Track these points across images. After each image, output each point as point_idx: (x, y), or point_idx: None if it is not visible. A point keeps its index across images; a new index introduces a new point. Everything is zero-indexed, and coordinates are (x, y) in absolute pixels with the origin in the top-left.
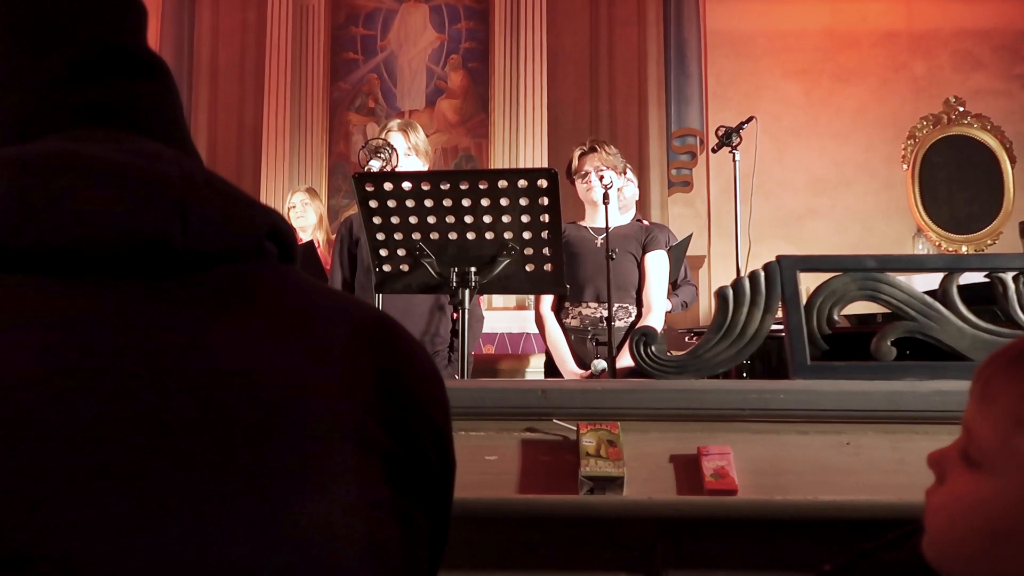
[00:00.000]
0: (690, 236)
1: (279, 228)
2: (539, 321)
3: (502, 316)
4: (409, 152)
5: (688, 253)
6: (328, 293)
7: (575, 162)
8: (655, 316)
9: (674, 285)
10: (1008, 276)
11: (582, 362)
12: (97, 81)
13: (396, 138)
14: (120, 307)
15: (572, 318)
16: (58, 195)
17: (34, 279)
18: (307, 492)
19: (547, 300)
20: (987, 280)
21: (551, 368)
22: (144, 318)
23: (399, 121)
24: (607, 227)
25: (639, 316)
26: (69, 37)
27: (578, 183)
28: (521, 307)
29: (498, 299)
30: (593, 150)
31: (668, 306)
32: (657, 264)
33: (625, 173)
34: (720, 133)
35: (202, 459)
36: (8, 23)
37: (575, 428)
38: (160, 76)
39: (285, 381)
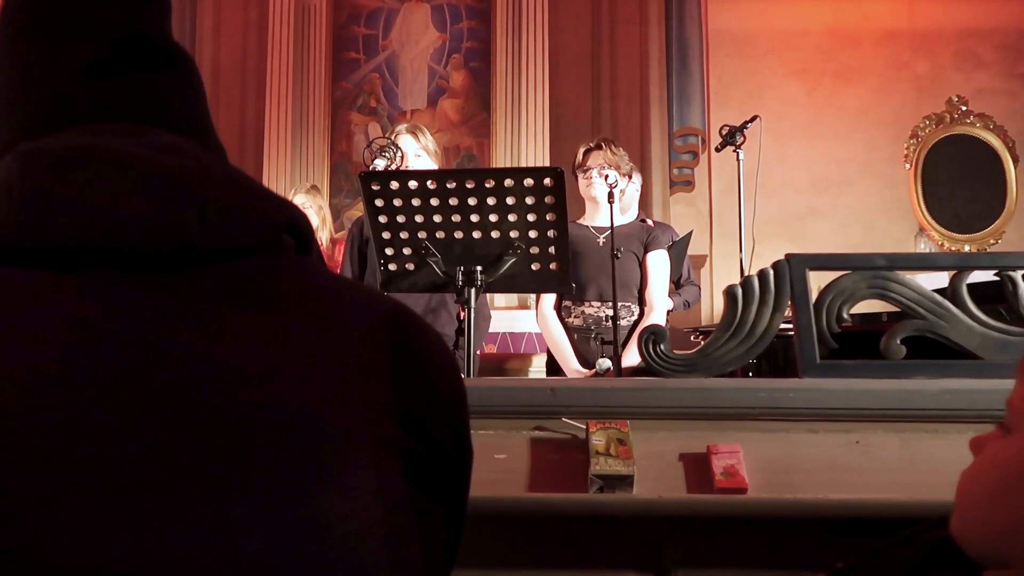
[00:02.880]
0: (690, 233)
1: (296, 220)
2: (541, 320)
3: (504, 315)
4: (420, 154)
5: (690, 252)
6: (346, 285)
7: (579, 158)
8: (657, 315)
9: (677, 284)
10: (1018, 274)
11: (585, 361)
12: (119, 73)
13: (406, 140)
14: (138, 303)
15: (575, 317)
16: (75, 191)
17: (51, 275)
18: (325, 488)
19: (549, 299)
20: (994, 279)
21: (553, 367)
22: (162, 314)
23: (407, 125)
24: (612, 226)
25: (641, 315)
26: (91, 28)
27: (580, 179)
28: (523, 306)
29: (500, 298)
30: (599, 148)
31: (669, 305)
32: (659, 263)
33: (631, 176)
34: (724, 132)
35: (219, 455)
36: (30, 14)
37: (584, 427)
38: (183, 67)
39: (303, 377)
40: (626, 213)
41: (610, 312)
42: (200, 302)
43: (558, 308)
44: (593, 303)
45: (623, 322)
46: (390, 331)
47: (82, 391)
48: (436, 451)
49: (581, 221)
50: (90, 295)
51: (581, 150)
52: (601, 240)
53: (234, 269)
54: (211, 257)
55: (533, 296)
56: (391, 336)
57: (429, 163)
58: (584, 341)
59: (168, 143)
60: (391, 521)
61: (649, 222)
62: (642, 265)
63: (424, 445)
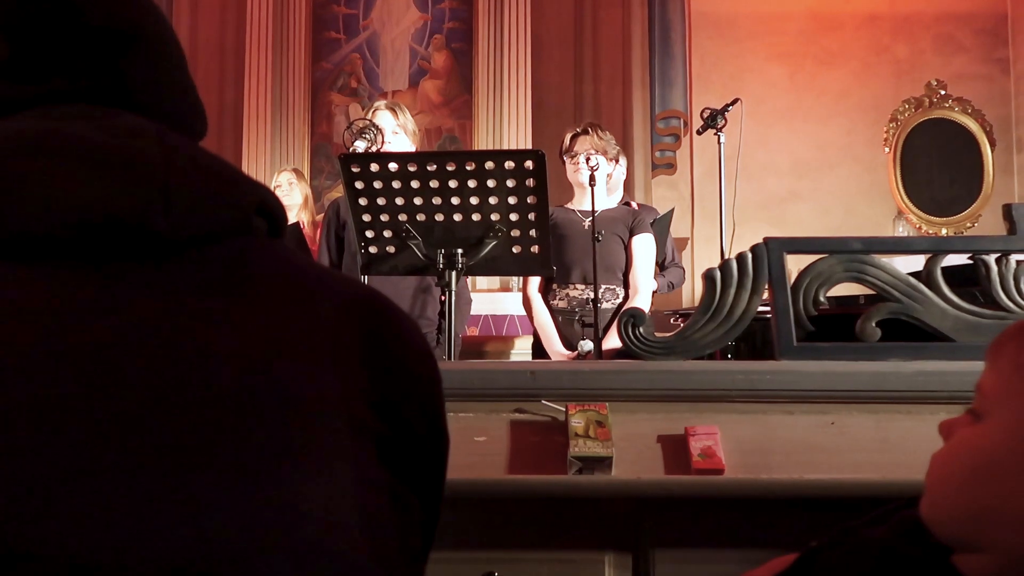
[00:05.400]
0: (672, 211)
1: (267, 202)
2: (527, 302)
3: (486, 298)
4: (397, 131)
5: (672, 235)
6: (317, 270)
7: (566, 143)
8: (641, 298)
9: (661, 266)
10: (991, 258)
11: (569, 343)
12: (75, 48)
13: (384, 116)
14: (103, 294)
15: (559, 299)
16: (33, 180)
17: (11, 266)
18: (299, 473)
19: (535, 282)
20: (969, 262)
21: (539, 349)
22: (129, 304)
23: (386, 101)
24: (593, 209)
25: (626, 298)
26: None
27: (567, 164)
28: (505, 289)
29: (482, 281)
30: (586, 132)
31: (654, 286)
32: (644, 247)
33: (617, 160)
34: (705, 115)
35: (192, 443)
36: None
37: (564, 409)
38: (146, 39)
39: (275, 362)
40: (612, 195)
41: (594, 295)
42: (167, 291)
43: (544, 290)
44: (578, 285)
45: (608, 304)
46: (362, 317)
47: (46, 382)
48: (410, 436)
49: (568, 205)
50: (53, 286)
51: (568, 135)
52: (586, 224)
53: (204, 255)
54: (178, 244)
55: (515, 279)
56: (364, 322)
57: (406, 142)
58: (568, 323)
59: (129, 125)
60: (366, 505)
61: (634, 205)
62: (627, 248)
63: (398, 430)
